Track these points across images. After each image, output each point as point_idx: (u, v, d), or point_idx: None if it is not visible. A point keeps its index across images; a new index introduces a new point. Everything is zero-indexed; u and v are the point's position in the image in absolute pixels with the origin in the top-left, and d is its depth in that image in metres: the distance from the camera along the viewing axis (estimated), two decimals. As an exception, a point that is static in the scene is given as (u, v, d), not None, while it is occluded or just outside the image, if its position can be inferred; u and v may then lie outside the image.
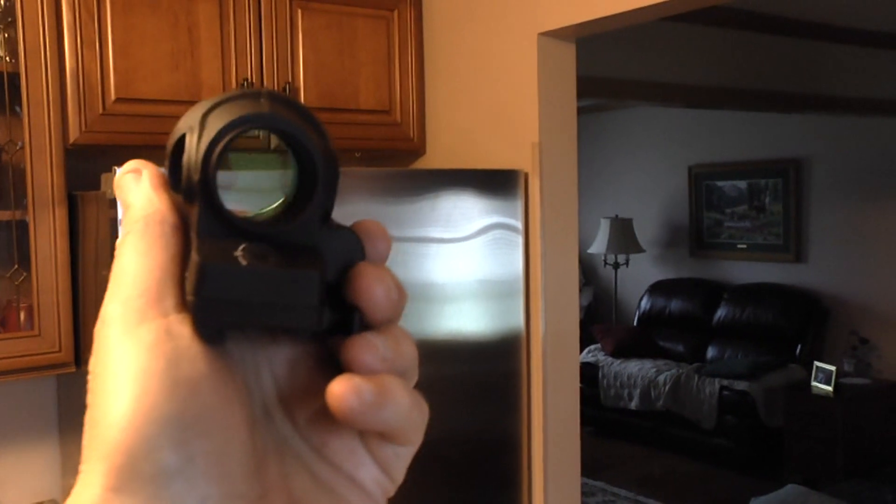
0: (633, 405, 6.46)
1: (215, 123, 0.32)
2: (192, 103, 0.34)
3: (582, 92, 2.56)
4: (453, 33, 2.61)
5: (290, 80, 2.41)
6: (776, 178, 6.78)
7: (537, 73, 2.33)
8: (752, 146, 6.88)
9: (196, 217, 0.32)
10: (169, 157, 0.34)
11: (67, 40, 2.10)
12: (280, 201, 0.33)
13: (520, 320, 2.39)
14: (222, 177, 0.32)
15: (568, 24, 2.24)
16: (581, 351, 6.71)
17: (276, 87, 2.39)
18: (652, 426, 6.39)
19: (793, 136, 6.59)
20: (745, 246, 7.03)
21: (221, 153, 0.32)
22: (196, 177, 0.32)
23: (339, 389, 0.32)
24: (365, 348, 0.33)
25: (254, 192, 0.34)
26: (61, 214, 2.09)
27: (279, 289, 0.31)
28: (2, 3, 2.08)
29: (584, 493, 4.92)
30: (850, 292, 6.33)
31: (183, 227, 0.34)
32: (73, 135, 2.11)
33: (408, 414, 0.33)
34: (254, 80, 2.35)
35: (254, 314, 0.31)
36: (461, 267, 2.32)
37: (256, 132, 0.33)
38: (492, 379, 2.39)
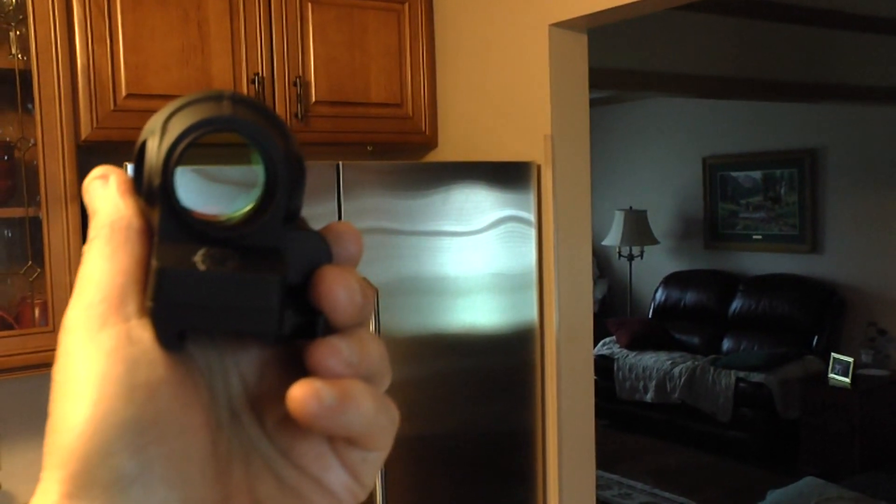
0: (649, 398, 6.44)
1: (176, 127, 0.32)
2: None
3: (595, 84, 2.55)
4: (464, 25, 2.60)
5: (300, 74, 2.41)
6: (791, 168, 6.73)
7: (549, 64, 2.31)
8: (766, 136, 6.84)
9: (157, 221, 0.32)
10: (134, 162, 0.33)
11: (78, 37, 2.10)
12: (252, 203, 0.33)
13: (533, 313, 2.38)
14: (195, 174, 0.32)
15: (579, 14, 2.22)
16: (596, 344, 6.71)
17: (286, 82, 2.39)
18: (667, 419, 6.37)
19: (807, 125, 6.54)
20: (760, 237, 6.99)
21: (180, 157, 0.31)
22: (156, 181, 0.32)
23: (299, 393, 0.31)
24: (328, 352, 0.32)
25: (237, 186, 0.33)
26: (74, 211, 2.09)
27: (238, 293, 0.31)
28: (13, 0, 2.08)
29: (599, 487, 4.91)
30: (867, 283, 6.28)
31: (149, 232, 0.34)
32: (85, 131, 2.12)
33: (372, 419, 0.33)
34: (264, 75, 2.34)
35: (213, 319, 0.31)
36: (474, 260, 2.31)
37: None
38: (506, 372, 2.38)
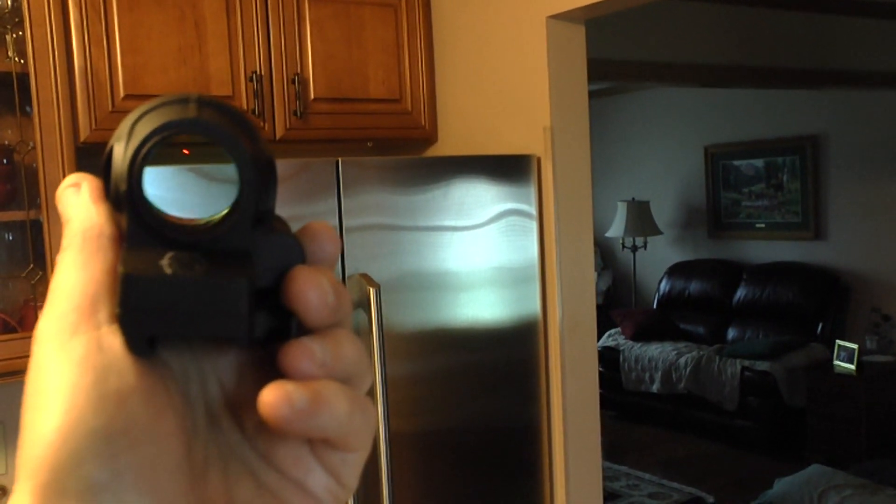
0: (655, 388, 6.44)
1: (141, 131, 0.32)
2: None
3: (594, 75, 2.54)
4: (461, 19, 2.59)
5: (298, 71, 2.41)
6: (793, 155, 6.72)
7: (547, 56, 2.31)
8: (767, 124, 6.82)
9: (125, 227, 0.32)
10: (102, 168, 0.33)
11: (75, 39, 2.10)
12: (228, 206, 0.33)
13: (536, 307, 2.38)
14: (163, 178, 0.32)
15: (576, 5, 2.22)
16: (601, 335, 6.71)
17: (284, 79, 2.39)
18: (674, 409, 6.37)
19: (809, 112, 6.52)
20: (763, 225, 6.98)
21: (144, 161, 0.31)
22: (123, 186, 0.32)
23: (270, 397, 0.31)
24: (300, 354, 0.32)
25: (207, 189, 0.33)
26: (74, 213, 2.09)
27: (205, 298, 0.31)
28: (8, 3, 2.08)
29: (607, 478, 4.90)
30: (870, 269, 6.27)
31: (121, 239, 0.33)
32: (84, 133, 2.12)
33: (346, 420, 0.33)
34: (262, 73, 2.34)
35: (182, 324, 0.31)
36: (476, 254, 2.31)
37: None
38: (509, 366, 2.38)
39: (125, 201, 0.32)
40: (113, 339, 0.31)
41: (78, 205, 0.34)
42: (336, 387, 0.32)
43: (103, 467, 0.30)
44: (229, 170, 0.32)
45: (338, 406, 0.32)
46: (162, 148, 0.31)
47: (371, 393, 2.00)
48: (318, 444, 0.34)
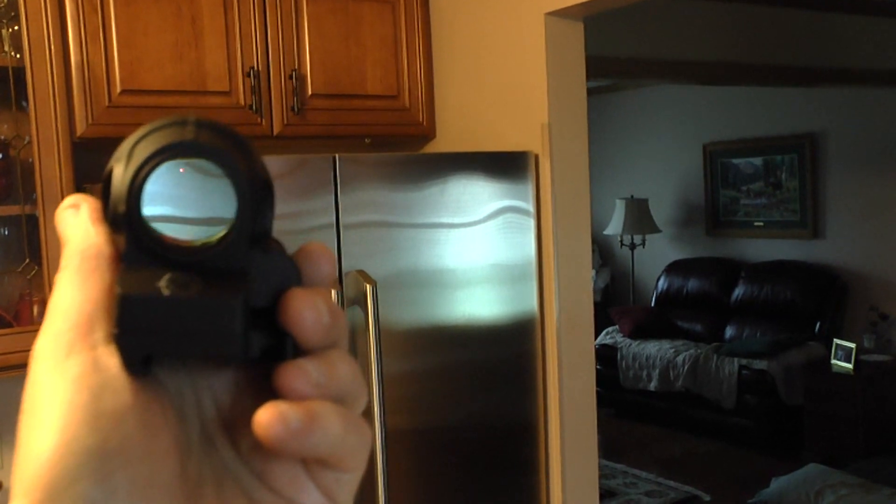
0: (653, 386, 6.44)
1: (140, 154, 0.32)
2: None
3: (593, 72, 2.54)
4: (460, 15, 2.58)
5: (296, 67, 2.40)
6: (791, 153, 6.71)
7: (545, 53, 2.30)
8: (766, 122, 6.82)
9: (123, 247, 0.33)
10: (102, 189, 0.34)
11: (71, 33, 2.09)
12: (225, 227, 0.33)
13: (533, 304, 2.38)
14: (162, 199, 0.32)
15: (575, 2, 2.21)
16: (599, 333, 6.71)
17: (282, 75, 2.38)
18: (671, 407, 6.37)
19: (807, 110, 6.52)
20: (761, 223, 6.98)
21: (143, 183, 0.32)
22: (121, 208, 0.32)
23: (265, 417, 0.32)
24: (295, 374, 0.33)
25: (205, 210, 0.33)
26: (70, 208, 2.08)
27: (201, 317, 0.31)
28: (5, -3, 2.07)
29: (604, 476, 4.90)
30: (869, 267, 6.27)
31: (119, 259, 0.34)
32: (80, 128, 2.11)
33: (341, 440, 0.33)
34: (259, 69, 2.33)
35: (177, 344, 0.31)
36: (473, 252, 2.30)
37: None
38: (506, 363, 2.38)
39: (123, 222, 0.32)
40: (109, 359, 0.32)
41: (76, 225, 0.35)
42: (330, 407, 0.33)
43: (98, 485, 0.30)
44: (227, 190, 0.33)
45: (332, 426, 0.32)
46: (164, 170, 0.32)
47: (367, 390, 1.99)
48: (313, 463, 0.34)
